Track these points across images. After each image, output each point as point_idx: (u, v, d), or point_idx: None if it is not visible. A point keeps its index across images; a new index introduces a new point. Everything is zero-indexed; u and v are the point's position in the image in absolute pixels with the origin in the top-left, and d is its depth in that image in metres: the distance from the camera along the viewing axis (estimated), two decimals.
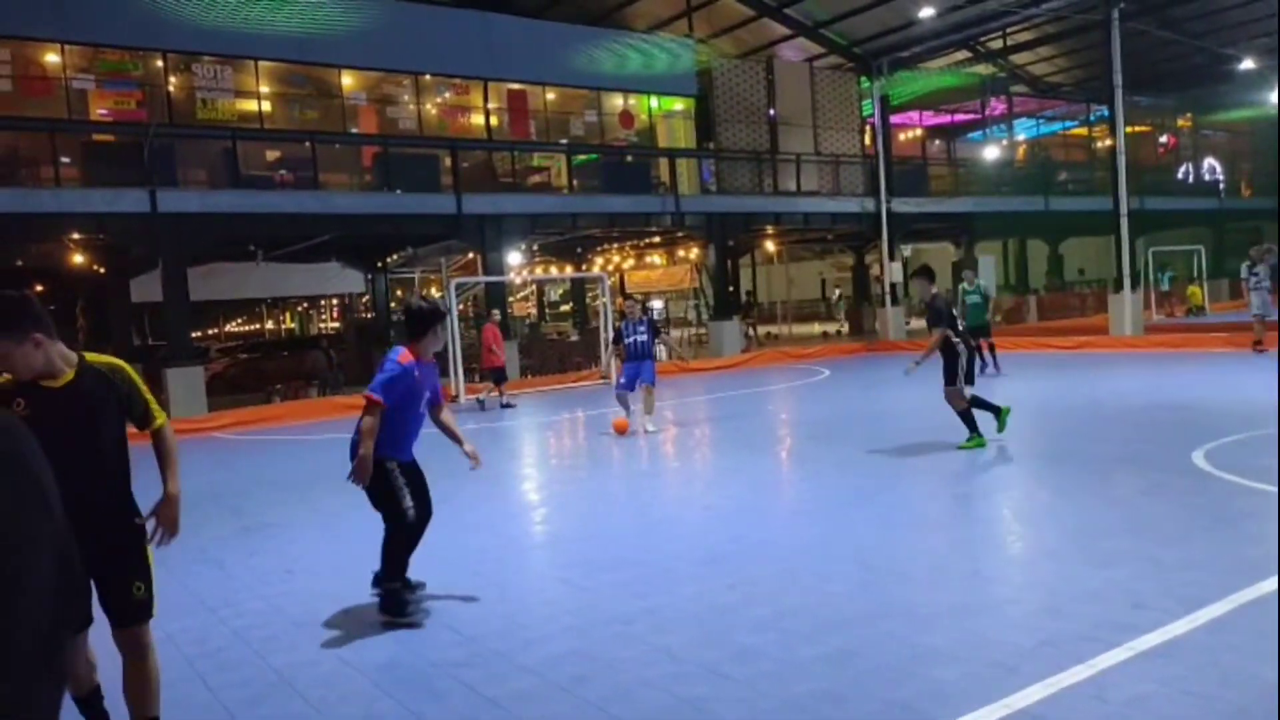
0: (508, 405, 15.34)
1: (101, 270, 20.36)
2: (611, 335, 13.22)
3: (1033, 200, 28.67)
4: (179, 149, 17.01)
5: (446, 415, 5.04)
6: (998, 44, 28.80)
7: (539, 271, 29.59)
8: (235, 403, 17.18)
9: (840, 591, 4.77)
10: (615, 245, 27.33)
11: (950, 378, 8.58)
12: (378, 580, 4.80)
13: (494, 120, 21.88)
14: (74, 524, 1.32)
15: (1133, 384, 13.20)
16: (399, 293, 34.68)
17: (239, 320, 40.13)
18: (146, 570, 3.26)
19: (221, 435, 14.16)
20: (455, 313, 18.09)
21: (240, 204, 16.56)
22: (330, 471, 8.33)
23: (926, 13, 21.66)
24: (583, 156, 22.85)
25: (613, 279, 27.75)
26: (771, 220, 24.01)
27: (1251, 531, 5.28)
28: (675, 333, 29.86)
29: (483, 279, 19.67)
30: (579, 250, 27.24)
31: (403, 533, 4.71)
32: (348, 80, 20.31)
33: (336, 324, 36.91)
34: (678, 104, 24.42)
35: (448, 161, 19.44)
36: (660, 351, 14.88)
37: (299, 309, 40.53)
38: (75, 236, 16.81)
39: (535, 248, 24.89)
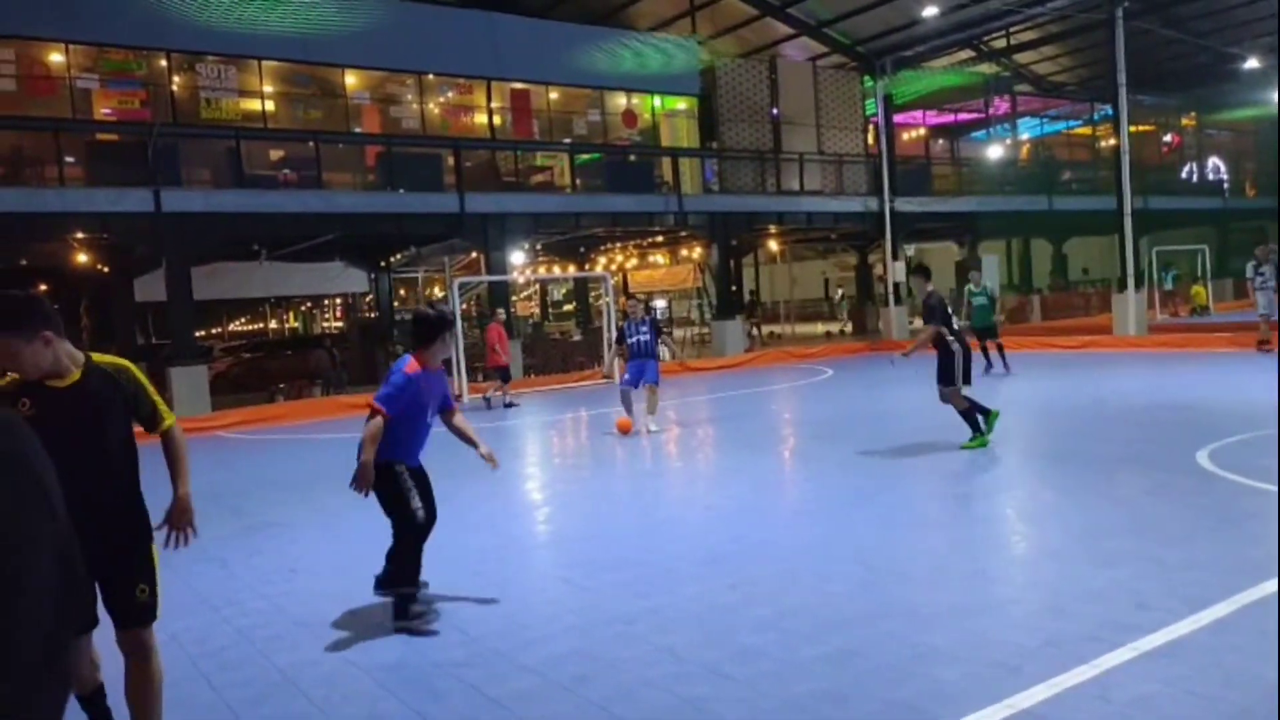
0: (510, 405, 15.35)
1: (105, 270, 20.40)
2: (614, 335, 13.22)
3: (1036, 200, 28.63)
4: (183, 148, 17.03)
5: (459, 420, 5.03)
6: (1001, 43, 28.77)
7: (542, 271, 29.60)
8: (239, 402, 17.21)
9: (841, 591, 4.77)
10: (618, 245, 27.33)
11: (947, 378, 8.58)
12: (380, 583, 4.78)
13: (497, 120, 21.89)
14: (79, 525, 1.32)
15: (1136, 384, 13.19)
16: (402, 292, 34.77)
17: (243, 319, 40.20)
18: (151, 572, 3.24)
19: (225, 434, 14.18)
20: (459, 312, 18.11)
21: (244, 203, 16.59)
22: (333, 471, 8.34)
23: (930, 12, 21.64)
24: (586, 156, 22.87)
25: (616, 278, 27.73)
26: (774, 220, 24.00)
27: (1255, 532, 5.27)
28: (678, 332, 29.87)
29: (486, 278, 19.68)
30: (582, 250, 27.25)
31: (412, 534, 4.71)
32: (351, 80, 20.33)
33: (340, 323, 36.97)
34: (681, 103, 24.41)
35: (451, 161, 19.46)
36: (663, 352, 14.87)
37: (302, 308, 40.59)
38: (79, 236, 16.84)
39: (538, 247, 24.92)
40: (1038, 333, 22.28)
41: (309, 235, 18.54)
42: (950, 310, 9.07)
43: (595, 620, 4.58)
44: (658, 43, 23.59)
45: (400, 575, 4.71)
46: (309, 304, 39.36)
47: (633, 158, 23.17)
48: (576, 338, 25.03)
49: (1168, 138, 37.61)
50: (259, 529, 7.29)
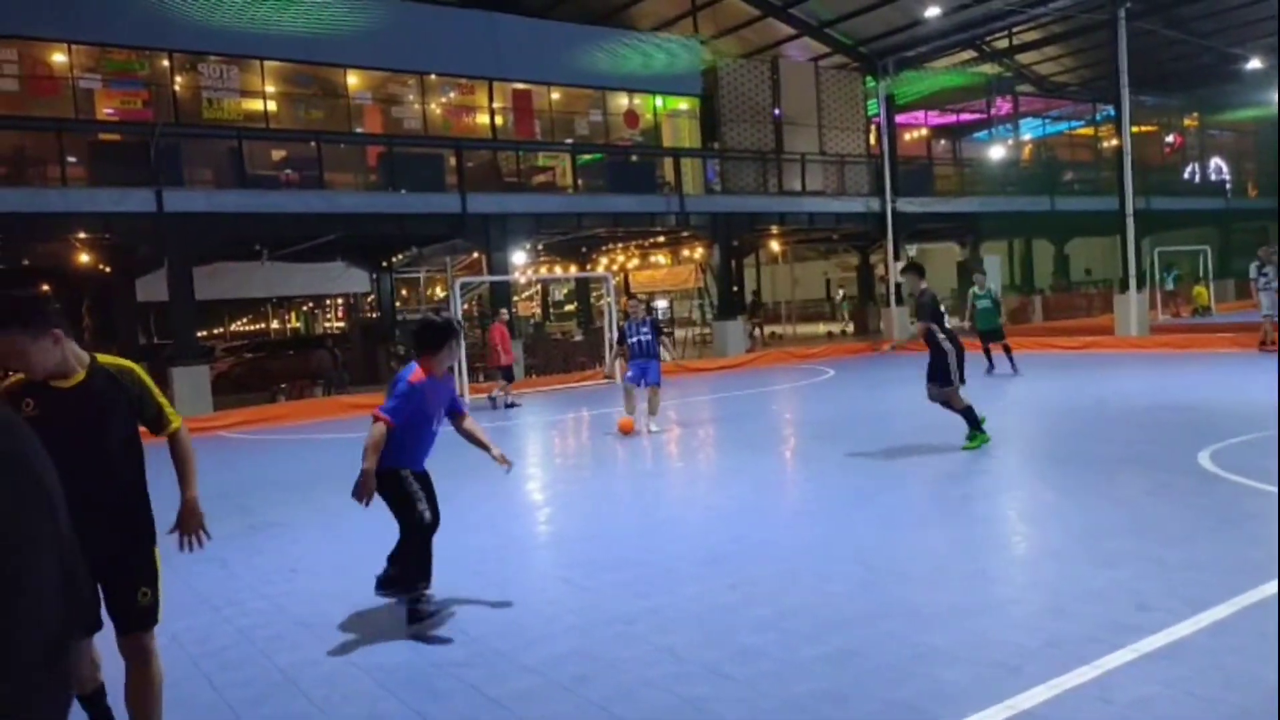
0: (512, 405, 15.36)
1: (107, 270, 20.42)
2: (615, 335, 13.22)
3: (1038, 200, 28.61)
4: (185, 149, 17.06)
5: (470, 424, 4.99)
6: (1003, 43, 28.76)
7: (543, 271, 29.61)
8: (240, 402, 17.23)
9: (842, 591, 4.77)
10: (620, 245, 27.33)
11: (943, 378, 8.56)
12: (382, 584, 4.77)
13: (499, 120, 21.91)
14: (80, 526, 1.32)
15: (1138, 384, 13.17)
16: (404, 292, 34.76)
17: (244, 319, 40.18)
18: (153, 575, 3.22)
19: (226, 434, 14.19)
20: (460, 312, 18.11)
21: (246, 204, 16.60)
22: (334, 471, 8.35)
23: (932, 12, 21.64)
24: (587, 156, 22.86)
25: (617, 279, 27.69)
26: (776, 220, 24.00)
27: (1256, 533, 5.26)
28: (680, 332, 29.86)
29: (487, 278, 19.69)
30: (584, 250, 27.25)
31: (418, 534, 4.71)
32: (353, 80, 20.35)
33: (341, 323, 36.96)
34: (682, 104, 24.42)
35: (453, 161, 19.46)
36: (664, 353, 14.87)
37: (304, 308, 40.57)
38: (81, 236, 16.86)
39: (540, 247, 24.90)
40: (1039, 333, 22.26)
41: (311, 235, 18.55)
42: (943, 309, 9.06)
43: (595, 620, 4.58)
44: (659, 43, 23.59)
45: (404, 577, 4.70)
46: (311, 304, 39.35)
47: (634, 158, 23.18)
48: (578, 338, 25.03)
49: (1170, 138, 37.58)
50: (260, 529, 7.30)
